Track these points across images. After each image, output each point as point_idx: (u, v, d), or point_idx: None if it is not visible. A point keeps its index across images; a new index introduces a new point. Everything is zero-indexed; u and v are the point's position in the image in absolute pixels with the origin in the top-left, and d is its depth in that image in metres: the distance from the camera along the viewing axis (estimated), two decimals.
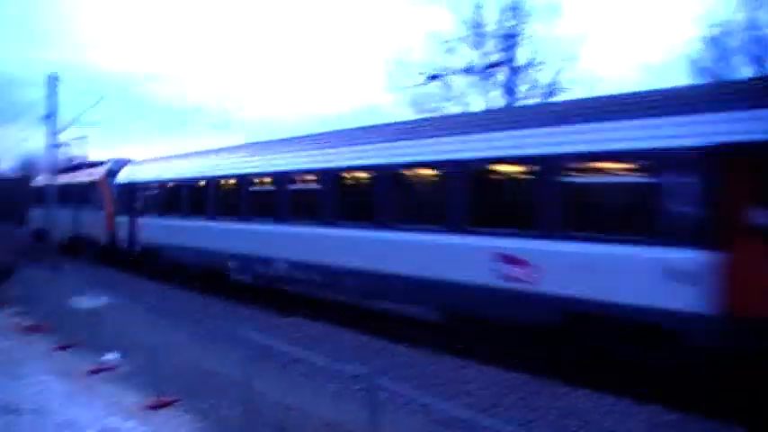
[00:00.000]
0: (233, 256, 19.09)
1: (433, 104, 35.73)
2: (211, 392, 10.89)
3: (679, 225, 9.15)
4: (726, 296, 8.68)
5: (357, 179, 14.94)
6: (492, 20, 34.46)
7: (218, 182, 20.36)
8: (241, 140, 28.22)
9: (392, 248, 13.53)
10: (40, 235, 37.42)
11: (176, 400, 10.63)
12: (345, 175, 15.17)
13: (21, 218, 46.66)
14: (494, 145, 11.86)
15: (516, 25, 33.51)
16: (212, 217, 20.49)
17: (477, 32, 34.50)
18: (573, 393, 9.90)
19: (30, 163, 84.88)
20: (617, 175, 9.99)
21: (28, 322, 17.78)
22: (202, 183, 21.26)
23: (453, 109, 34.51)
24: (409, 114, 35.84)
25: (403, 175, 13.64)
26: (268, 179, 17.83)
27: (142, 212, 25.47)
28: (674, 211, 9.19)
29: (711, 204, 8.92)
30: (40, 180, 40.98)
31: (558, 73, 33.32)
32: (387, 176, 13.88)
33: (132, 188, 26.37)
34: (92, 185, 31.60)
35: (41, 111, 30.55)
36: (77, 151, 53.54)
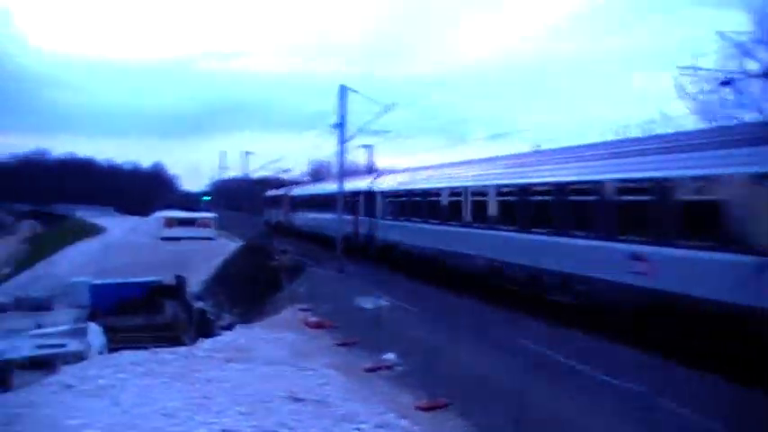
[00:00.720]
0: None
1: (725, 112, 32.98)
2: (483, 398, 11.28)
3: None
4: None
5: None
6: None
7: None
8: (513, 150, 36.36)
9: None
10: (267, 223, 68.21)
11: (448, 403, 11.18)
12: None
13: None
14: None
15: None
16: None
17: None
18: None
19: (319, 168, 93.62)
20: None
21: (313, 318, 19.70)
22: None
23: (747, 117, 31.61)
24: (698, 124, 33.52)
25: None
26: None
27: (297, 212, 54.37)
28: None
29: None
30: (270, 192, 72.31)
31: None
32: None
33: (298, 199, 54.65)
34: (280, 197, 62.47)
35: (333, 119, 33.27)
36: (363, 158, 58.50)
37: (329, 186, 42.70)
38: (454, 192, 23.56)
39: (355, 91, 32.16)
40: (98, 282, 45.19)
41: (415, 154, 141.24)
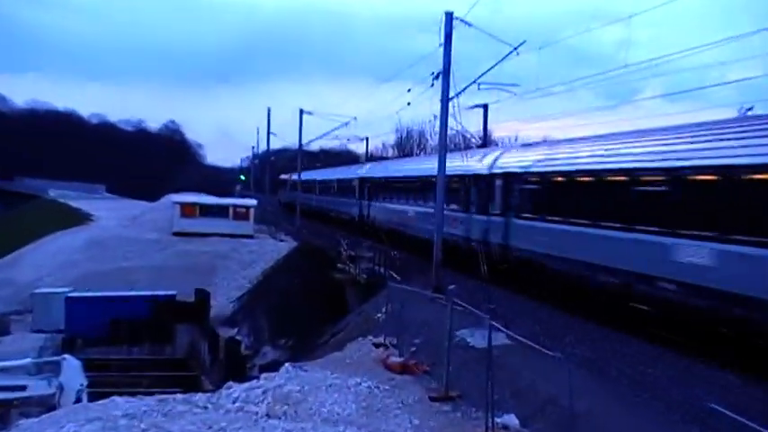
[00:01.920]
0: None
1: None
2: None
3: None
4: None
5: None
6: None
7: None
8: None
9: None
10: (281, 203, 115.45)
11: None
12: None
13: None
14: None
15: None
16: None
17: None
18: None
19: (408, 135, 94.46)
20: None
21: (396, 358, 19.72)
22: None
23: None
24: None
25: None
26: None
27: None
28: None
29: None
30: (282, 176, 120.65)
31: None
32: None
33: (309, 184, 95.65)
34: (284, 182, 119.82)
35: (432, 67, 32.09)
36: (473, 125, 57.96)
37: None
38: None
39: (467, 23, 29.29)
40: (79, 294, 46.10)
41: (550, 119, 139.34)
